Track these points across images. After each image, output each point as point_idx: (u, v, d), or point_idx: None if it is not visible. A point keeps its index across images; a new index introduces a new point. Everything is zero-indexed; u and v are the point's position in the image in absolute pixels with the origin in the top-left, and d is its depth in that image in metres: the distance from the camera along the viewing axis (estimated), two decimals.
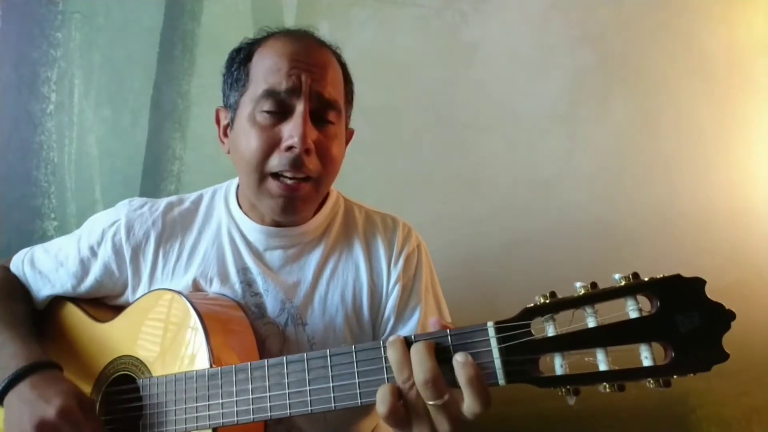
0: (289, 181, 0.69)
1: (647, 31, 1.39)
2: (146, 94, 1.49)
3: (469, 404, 0.47)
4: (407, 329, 0.75)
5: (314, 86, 0.68)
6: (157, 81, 1.49)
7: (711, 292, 0.43)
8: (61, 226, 1.47)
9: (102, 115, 1.51)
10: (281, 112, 0.68)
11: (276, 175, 0.69)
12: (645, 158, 1.36)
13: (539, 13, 1.41)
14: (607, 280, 0.46)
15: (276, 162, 0.68)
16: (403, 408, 0.49)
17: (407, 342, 0.51)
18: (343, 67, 0.78)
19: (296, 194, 0.69)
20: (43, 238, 1.47)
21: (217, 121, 0.79)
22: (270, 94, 0.68)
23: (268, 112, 0.68)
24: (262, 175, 0.69)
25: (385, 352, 0.52)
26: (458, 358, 0.48)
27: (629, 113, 1.37)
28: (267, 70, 0.69)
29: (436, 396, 0.47)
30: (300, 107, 0.67)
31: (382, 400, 0.49)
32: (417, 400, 0.49)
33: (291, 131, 0.66)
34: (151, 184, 1.46)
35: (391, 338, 0.51)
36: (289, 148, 0.67)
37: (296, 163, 0.67)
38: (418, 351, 0.49)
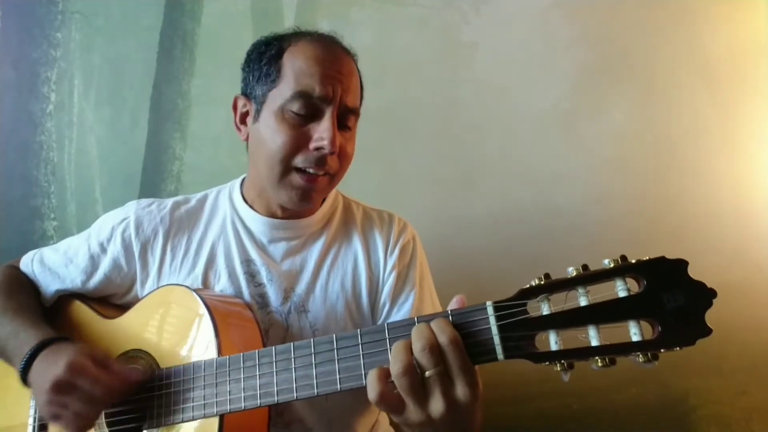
0: (312, 175, 0.74)
1: (648, 31, 1.37)
2: (146, 94, 1.49)
3: (456, 375, 0.49)
4: (402, 313, 0.79)
5: (344, 96, 0.74)
6: (157, 81, 1.49)
7: None
8: (61, 226, 1.47)
9: (102, 115, 1.51)
10: (310, 114, 0.73)
11: (299, 170, 0.74)
12: (646, 158, 1.34)
13: (539, 13, 1.40)
14: None
15: (302, 159, 0.73)
16: (395, 394, 0.50)
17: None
18: (359, 73, 0.82)
19: (314, 185, 0.75)
20: (43, 238, 1.47)
21: (234, 108, 0.82)
22: (302, 96, 0.72)
23: (297, 113, 0.73)
24: (287, 169, 0.74)
25: (389, 335, 0.54)
26: (435, 326, 0.50)
27: (630, 113, 1.36)
28: (299, 72, 0.73)
29: (433, 363, 0.49)
30: (329, 112, 0.72)
31: (371, 384, 0.51)
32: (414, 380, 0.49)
33: (322, 134, 0.72)
34: (151, 184, 1.46)
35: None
36: (318, 148, 0.72)
37: (321, 162, 0.73)
38: (417, 327, 0.51)
